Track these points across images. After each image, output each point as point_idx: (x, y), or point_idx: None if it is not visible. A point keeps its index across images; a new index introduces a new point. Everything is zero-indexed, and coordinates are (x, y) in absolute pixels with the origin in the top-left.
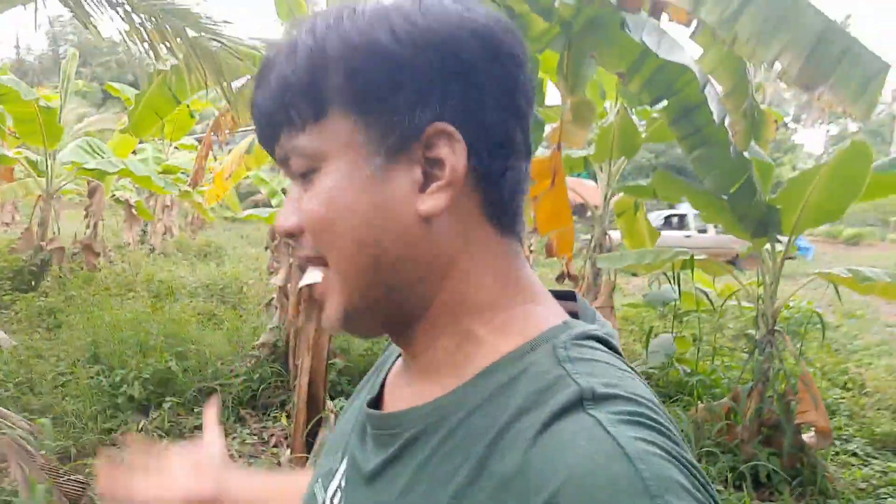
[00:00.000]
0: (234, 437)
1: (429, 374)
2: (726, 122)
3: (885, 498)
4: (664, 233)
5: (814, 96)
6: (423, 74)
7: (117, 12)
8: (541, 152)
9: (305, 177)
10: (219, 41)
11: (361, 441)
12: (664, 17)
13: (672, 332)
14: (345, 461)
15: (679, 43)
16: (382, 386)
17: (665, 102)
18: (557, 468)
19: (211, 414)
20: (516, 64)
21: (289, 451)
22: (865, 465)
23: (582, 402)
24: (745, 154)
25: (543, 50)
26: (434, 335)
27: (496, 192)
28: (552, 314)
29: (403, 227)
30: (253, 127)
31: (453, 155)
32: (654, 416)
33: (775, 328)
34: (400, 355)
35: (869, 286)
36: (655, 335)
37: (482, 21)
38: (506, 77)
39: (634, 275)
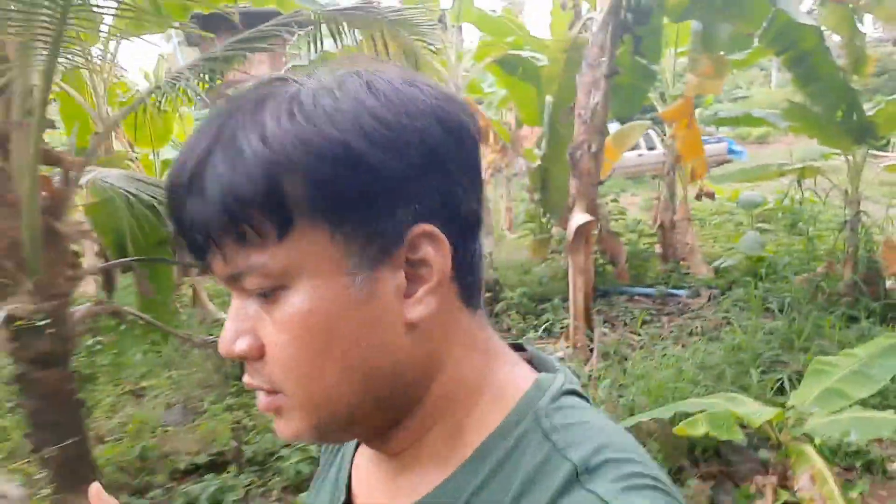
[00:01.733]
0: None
1: (412, 470)
2: (840, 62)
3: None
4: (625, 154)
5: None
6: (400, 176)
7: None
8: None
9: (266, 295)
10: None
11: None
12: None
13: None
14: None
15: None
16: (349, 486)
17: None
18: None
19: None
20: (473, 141)
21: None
22: None
23: (578, 477)
24: (852, 85)
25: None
26: (422, 431)
27: (470, 276)
28: (521, 374)
29: (392, 339)
30: None
31: (438, 255)
32: (646, 471)
33: (859, 210)
34: (358, 445)
35: None
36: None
37: (437, 102)
38: (469, 158)
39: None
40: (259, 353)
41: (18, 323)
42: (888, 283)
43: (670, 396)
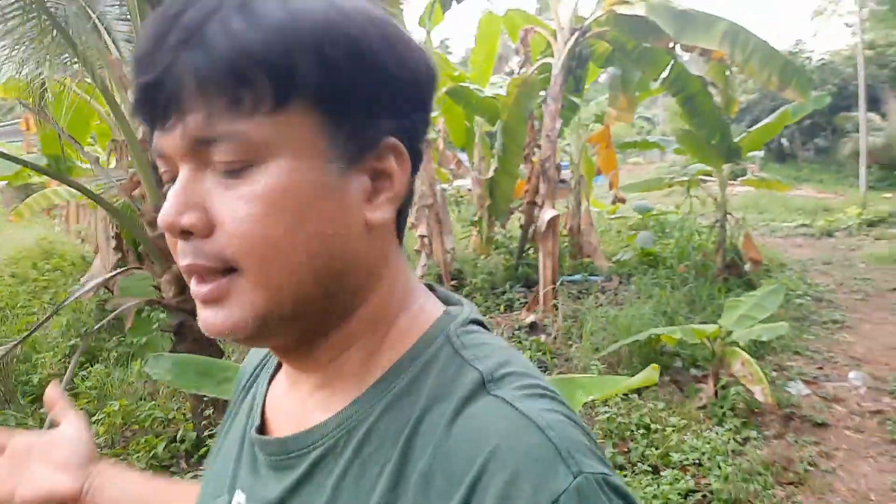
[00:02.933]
0: None
1: (328, 388)
2: (716, 102)
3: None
4: None
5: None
6: (397, 88)
7: None
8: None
9: (233, 169)
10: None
11: (253, 472)
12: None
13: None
14: (236, 497)
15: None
16: (263, 409)
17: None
18: (478, 449)
19: (59, 400)
20: (434, 91)
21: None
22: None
23: (485, 384)
24: (724, 118)
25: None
26: (344, 346)
27: (406, 209)
28: (433, 304)
29: (352, 236)
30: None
31: (401, 171)
32: (543, 384)
33: (726, 212)
34: (273, 375)
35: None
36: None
37: (426, 51)
38: (431, 102)
39: None
40: (208, 229)
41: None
42: (746, 267)
43: (636, 331)
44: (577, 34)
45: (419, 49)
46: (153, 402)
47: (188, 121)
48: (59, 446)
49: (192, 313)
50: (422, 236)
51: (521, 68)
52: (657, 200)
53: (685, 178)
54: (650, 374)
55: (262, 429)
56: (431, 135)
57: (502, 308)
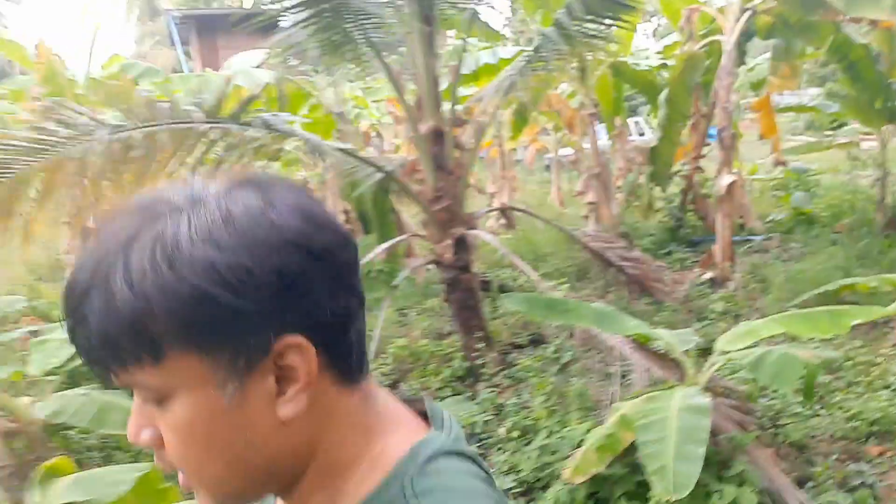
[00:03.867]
0: None
1: None
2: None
3: None
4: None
5: None
6: (257, 305)
7: None
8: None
9: (156, 402)
10: None
11: None
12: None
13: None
14: None
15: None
16: None
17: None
18: None
19: None
20: (334, 252)
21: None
22: None
23: None
24: (887, 82)
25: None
26: (311, 492)
27: (345, 360)
28: (400, 440)
29: (268, 436)
30: None
31: (304, 361)
32: None
33: (886, 171)
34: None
35: None
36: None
37: (296, 228)
38: (333, 269)
39: None
40: (160, 444)
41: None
42: None
43: (820, 283)
44: (748, 13)
45: (303, 233)
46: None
47: (106, 371)
48: None
49: (464, 269)
50: (590, 203)
51: (685, 45)
52: (811, 162)
53: (845, 140)
54: (873, 310)
55: None
56: (574, 104)
57: (677, 266)
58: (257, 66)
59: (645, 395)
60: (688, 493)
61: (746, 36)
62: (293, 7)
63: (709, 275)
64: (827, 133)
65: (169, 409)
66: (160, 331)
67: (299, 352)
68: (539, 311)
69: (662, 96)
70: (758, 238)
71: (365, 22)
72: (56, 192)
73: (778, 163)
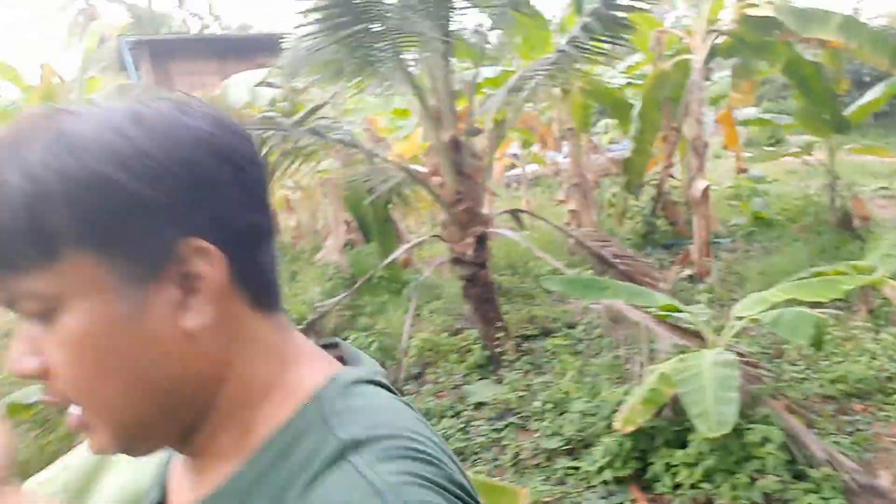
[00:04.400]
0: None
1: (210, 468)
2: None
3: None
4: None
5: None
6: (162, 201)
7: None
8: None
9: (44, 317)
10: None
11: None
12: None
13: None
14: None
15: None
16: (164, 486)
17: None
18: None
19: None
20: (248, 161)
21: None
22: None
23: (343, 451)
24: (834, 95)
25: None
26: (215, 435)
27: (257, 282)
28: (318, 372)
29: (171, 351)
30: None
31: (210, 268)
32: (415, 444)
33: (835, 177)
34: None
35: None
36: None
37: (208, 130)
38: (243, 177)
39: None
40: (45, 373)
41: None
42: (855, 223)
43: (791, 273)
44: (714, 34)
45: (213, 135)
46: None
47: None
48: None
49: (482, 265)
50: (571, 211)
51: (654, 64)
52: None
53: (798, 150)
54: (859, 278)
55: (163, 502)
56: (545, 119)
57: (657, 266)
58: (257, 85)
59: (676, 358)
60: (729, 429)
61: (710, 55)
62: (325, 27)
63: (687, 272)
64: (767, 146)
65: (59, 323)
66: (56, 225)
67: (205, 258)
68: (578, 290)
69: (635, 111)
70: (725, 240)
71: (396, 39)
72: None
73: (740, 170)
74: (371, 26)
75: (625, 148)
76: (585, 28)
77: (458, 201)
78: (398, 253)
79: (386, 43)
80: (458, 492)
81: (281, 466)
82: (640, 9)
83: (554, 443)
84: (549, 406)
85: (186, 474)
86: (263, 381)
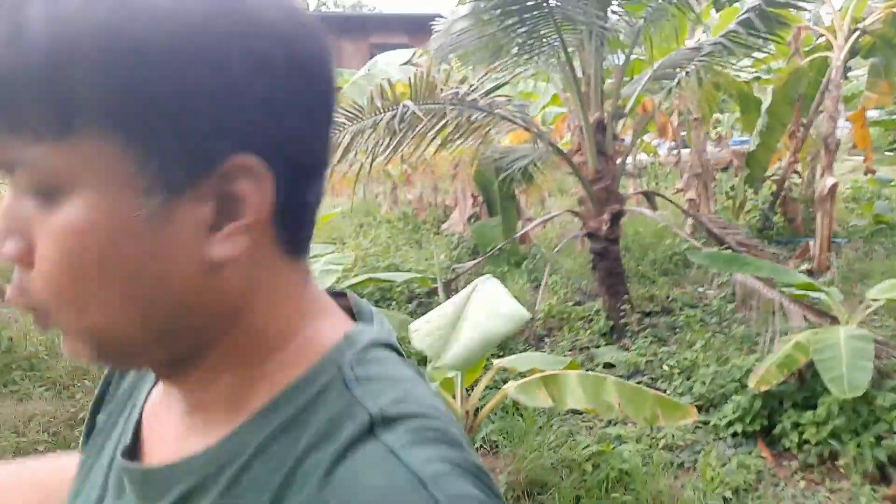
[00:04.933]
0: None
1: (202, 413)
2: None
3: None
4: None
5: None
6: (223, 96)
7: None
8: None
9: (42, 195)
10: None
11: (119, 498)
12: None
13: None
14: None
15: None
16: (138, 427)
17: None
18: None
19: None
20: (324, 77)
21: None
22: None
23: (373, 428)
24: None
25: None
26: (215, 374)
27: (296, 222)
28: (333, 327)
29: (185, 276)
30: None
31: (258, 192)
32: (441, 425)
33: None
34: (151, 388)
35: None
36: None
37: (290, 26)
38: (315, 95)
39: None
40: (29, 260)
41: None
42: None
43: None
44: (857, 32)
45: (296, 34)
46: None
47: None
48: None
49: (615, 241)
50: (690, 200)
51: (788, 60)
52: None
53: None
54: None
55: (135, 449)
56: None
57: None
58: (404, 64)
59: (810, 331)
60: (860, 392)
61: (851, 54)
62: (488, 9)
63: (805, 266)
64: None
65: (58, 209)
66: (82, 90)
67: (254, 180)
68: (722, 264)
69: (764, 106)
70: (843, 240)
71: (559, 24)
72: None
73: (868, 171)
74: (534, 10)
75: (746, 142)
76: (744, 23)
77: (598, 179)
78: (534, 225)
79: (546, 27)
80: (483, 476)
81: (294, 431)
82: (801, 7)
83: (686, 400)
84: (678, 371)
85: (170, 419)
86: (278, 331)
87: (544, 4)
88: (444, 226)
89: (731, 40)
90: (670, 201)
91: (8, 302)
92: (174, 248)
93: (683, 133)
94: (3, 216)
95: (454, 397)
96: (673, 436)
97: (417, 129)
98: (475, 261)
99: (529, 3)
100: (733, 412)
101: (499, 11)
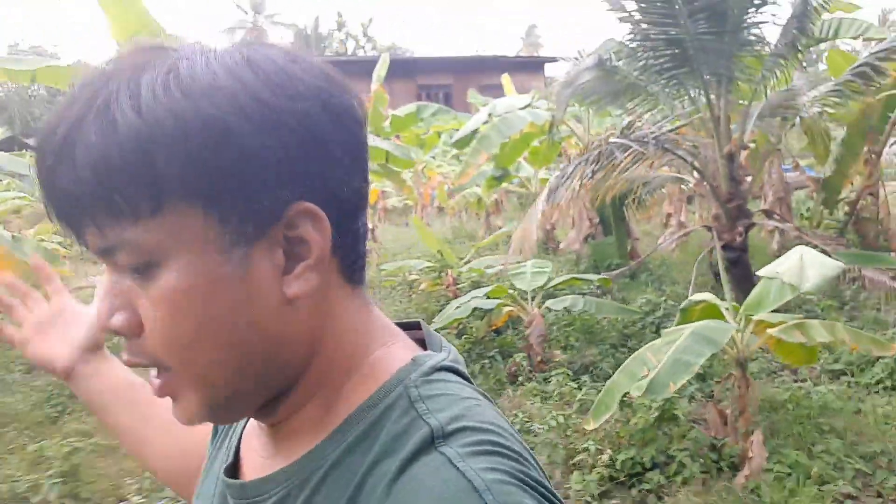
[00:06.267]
0: None
1: (290, 437)
2: None
3: None
4: None
5: None
6: (277, 157)
7: None
8: None
9: (141, 271)
10: None
11: None
12: None
13: None
14: None
15: None
16: (238, 451)
17: None
18: None
19: (49, 273)
20: (357, 122)
21: None
22: None
23: (433, 440)
24: None
25: None
26: (300, 404)
27: (351, 253)
28: (401, 352)
29: (270, 317)
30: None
31: (318, 234)
32: (501, 440)
33: None
34: None
35: None
36: None
37: (325, 86)
38: (351, 140)
39: None
40: (137, 329)
41: None
42: None
43: None
44: None
45: (325, 89)
46: None
47: (86, 235)
48: (78, 323)
49: (745, 250)
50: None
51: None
52: None
53: None
54: None
55: (235, 467)
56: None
57: None
58: (523, 108)
59: None
60: None
61: None
62: (651, 56)
63: None
64: None
65: (158, 279)
66: (166, 172)
67: (314, 223)
68: (861, 262)
69: (840, 136)
70: None
71: (713, 62)
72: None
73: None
74: (682, 67)
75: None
76: (859, 74)
77: (730, 199)
78: (670, 241)
79: (692, 80)
80: (543, 490)
81: (365, 446)
82: None
83: (834, 366)
84: (819, 348)
85: (262, 442)
86: (350, 356)
87: (687, 60)
88: (562, 245)
89: (847, 87)
90: (785, 219)
91: (127, 364)
92: (257, 292)
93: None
94: (107, 295)
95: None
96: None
97: (618, 162)
98: (619, 269)
99: (671, 55)
100: (882, 371)
101: (641, 63)
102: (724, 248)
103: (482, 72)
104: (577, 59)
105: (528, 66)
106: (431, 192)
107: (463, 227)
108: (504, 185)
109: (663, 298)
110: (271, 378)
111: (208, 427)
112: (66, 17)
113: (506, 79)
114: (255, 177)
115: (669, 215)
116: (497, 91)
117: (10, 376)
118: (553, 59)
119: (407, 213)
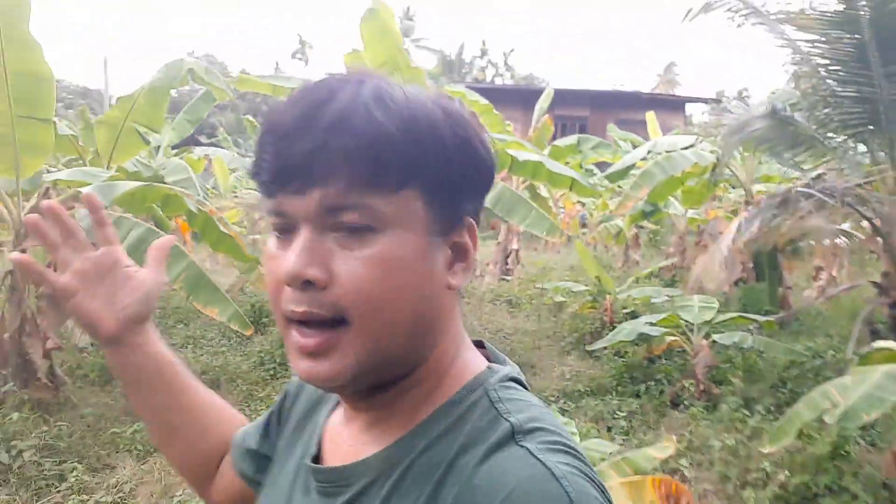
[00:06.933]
0: None
1: (381, 426)
2: None
3: None
4: None
5: None
6: (483, 176)
7: None
8: None
9: (355, 232)
10: None
11: (306, 495)
12: None
13: None
14: None
15: None
16: (320, 440)
17: None
18: (500, 488)
19: (161, 253)
20: (494, 163)
21: None
22: None
23: (514, 435)
24: None
25: None
26: (404, 391)
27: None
28: (478, 359)
29: (438, 297)
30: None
31: (473, 245)
32: (570, 443)
33: None
34: (332, 409)
35: None
36: None
37: (480, 129)
38: (492, 176)
39: None
40: (327, 282)
41: None
42: None
43: None
44: None
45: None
46: None
47: (329, 190)
48: (131, 287)
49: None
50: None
51: None
52: None
53: None
54: None
55: (318, 458)
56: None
57: None
58: (686, 148)
59: None
60: None
61: None
62: (834, 112)
63: None
64: None
65: (374, 243)
66: (422, 164)
67: (473, 235)
68: None
69: None
70: None
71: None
72: None
73: None
74: (866, 122)
75: None
76: None
77: None
78: (833, 293)
79: (872, 128)
80: (605, 491)
81: (451, 437)
82: None
83: None
84: None
85: (350, 432)
86: (451, 357)
87: (876, 119)
88: (711, 286)
89: None
90: None
91: (304, 315)
92: (435, 274)
93: None
94: (304, 250)
95: None
96: None
97: (800, 210)
98: (773, 317)
99: (858, 112)
100: None
101: (821, 116)
102: (890, 306)
103: (619, 106)
104: (718, 101)
105: (667, 105)
106: (569, 220)
107: (601, 257)
108: (645, 221)
109: (828, 349)
110: (413, 352)
111: (228, 437)
112: (234, 26)
113: (650, 116)
114: (472, 186)
115: (820, 269)
116: (634, 126)
117: (227, 342)
118: (695, 99)
119: (536, 239)
